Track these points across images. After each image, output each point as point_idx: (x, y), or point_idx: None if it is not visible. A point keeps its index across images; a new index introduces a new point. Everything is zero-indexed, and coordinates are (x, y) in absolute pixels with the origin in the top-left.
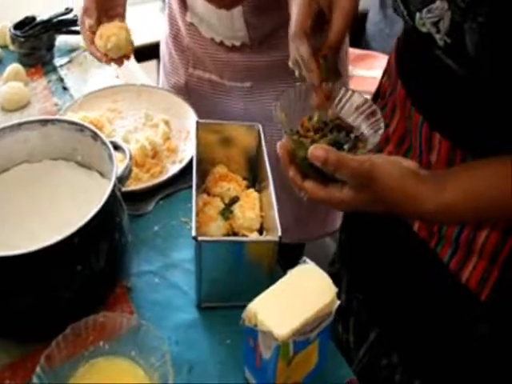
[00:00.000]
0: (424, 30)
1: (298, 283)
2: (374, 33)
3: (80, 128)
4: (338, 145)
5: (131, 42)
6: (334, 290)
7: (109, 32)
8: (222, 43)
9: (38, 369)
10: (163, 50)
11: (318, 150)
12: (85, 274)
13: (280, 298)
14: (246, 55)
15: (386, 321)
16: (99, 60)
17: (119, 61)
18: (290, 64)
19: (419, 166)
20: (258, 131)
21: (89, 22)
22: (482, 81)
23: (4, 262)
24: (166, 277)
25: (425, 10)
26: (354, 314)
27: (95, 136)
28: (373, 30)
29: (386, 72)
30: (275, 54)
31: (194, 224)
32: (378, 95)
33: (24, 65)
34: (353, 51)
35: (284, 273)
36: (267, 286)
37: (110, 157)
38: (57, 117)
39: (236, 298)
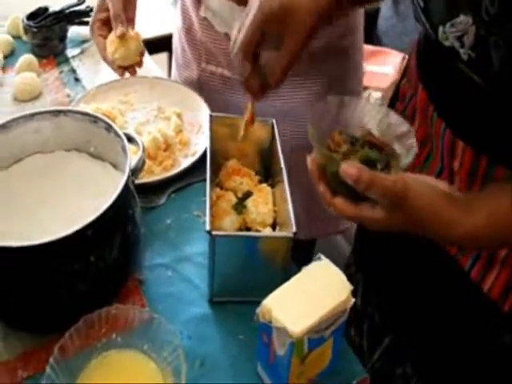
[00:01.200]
0: (447, 43)
1: (312, 280)
2: (386, 29)
3: (93, 119)
4: (370, 162)
5: (141, 51)
6: (349, 287)
7: (120, 42)
8: (226, 34)
9: (51, 359)
10: (176, 44)
11: (350, 168)
12: (98, 266)
13: (295, 294)
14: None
15: (401, 327)
16: (111, 67)
17: (131, 70)
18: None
19: (451, 187)
20: (272, 126)
21: (121, 29)
22: (507, 94)
23: (18, 253)
24: (179, 270)
25: (448, 25)
26: (368, 318)
27: (109, 127)
28: (385, 26)
29: (404, 74)
30: None
31: (208, 218)
32: (396, 97)
33: (37, 55)
34: (365, 47)
35: (298, 269)
36: (281, 282)
37: (124, 149)
38: (70, 107)
39: (249, 294)
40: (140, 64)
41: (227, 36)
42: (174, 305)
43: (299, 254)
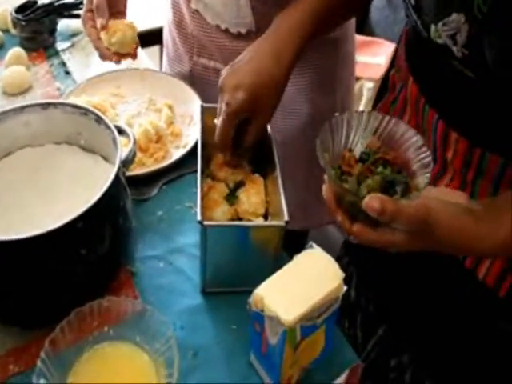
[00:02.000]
0: (440, 41)
1: (304, 268)
2: (379, 19)
3: (83, 112)
4: (388, 185)
5: (136, 42)
6: (340, 275)
7: (115, 27)
8: (227, 30)
9: (42, 353)
10: (166, 37)
11: (373, 201)
12: (89, 259)
13: (287, 283)
14: (251, 43)
15: (395, 317)
16: (102, 57)
17: (125, 56)
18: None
19: (470, 200)
20: None
21: (101, 21)
22: (500, 88)
23: (7, 247)
24: (171, 261)
25: (440, 23)
26: (362, 309)
27: (99, 120)
28: (377, 16)
29: (392, 64)
30: None
31: (199, 208)
32: (385, 88)
33: (26, 49)
34: (357, 37)
35: (290, 258)
36: (273, 272)
37: (114, 141)
38: (60, 100)
39: (241, 284)
40: (135, 56)
41: (219, 28)
42: (167, 296)
43: (292, 244)
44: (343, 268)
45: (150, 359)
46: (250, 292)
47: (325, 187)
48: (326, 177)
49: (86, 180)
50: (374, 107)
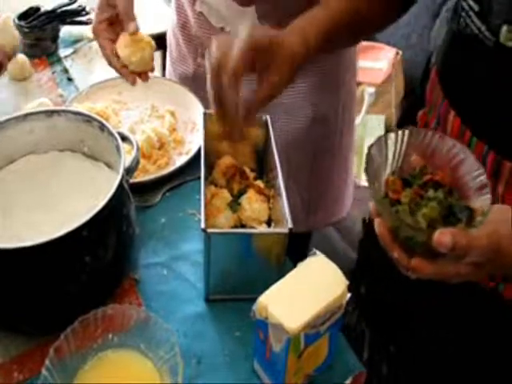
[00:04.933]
0: (511, 44)
1: (308, 275)
2: None
3: (87, 119)
4: (446, 211)
5: (153, 59)
6: (344, 282)
7: (135, 45)
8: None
9: (47, 361)
10: (170, 40)
11: (444, 237)
12: (93, 266)
13: (291, 290)
14: None
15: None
16: (121, 73)
17: (144, 76)
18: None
19: None
20: (266, 122)
21: (133, 25)
22: None
23: (12, 255)
24: (174, 269)
25: None
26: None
27: (102, 127)
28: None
29: (418, 104)
30: None
31: (202, 216)
32: (404, 121)
33: (28, 56)
34: None
35: (293, 265)
36: (276, 279)
37: (118, 148)
38: (63, 107)
39: (244, 291)
40: (153, 69)
41: (223, 31)
42: (170, 303)
43: (295, 248)
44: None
45: (154, 367)
46: (254, 299)
47: (377, 222)
48: (372, 208)
49: (89, 187)
50: None
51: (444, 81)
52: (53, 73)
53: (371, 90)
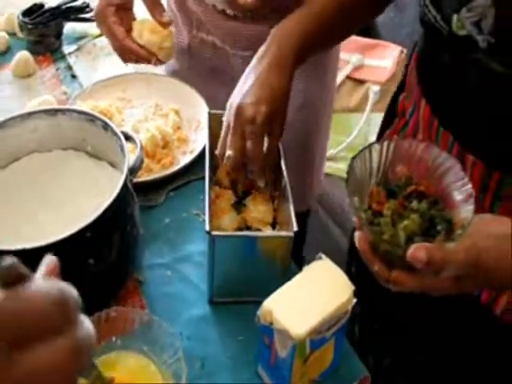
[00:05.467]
0: (462, 33)
1: (313, 280)
2: (384, 21)
3: (90, 118)
4: (427, 224)
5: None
6: (350, 287)
7: (162, 32)
8: (223, 11)
9: None
10: (167, 12)
11: (418, 252)
12: (97, 268)
13: (296, 295)
14: (247, 25)
15: (405, 351)
16: (139, 57)
17: (157, 62)
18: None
19: None
20: None
21: (167, 16)
22: None
23: (15, 256)
24: (178, 270)
25: (464, 10)
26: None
27: (106, 126)
28: (382, 19)
29: (402, 89)
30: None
31: (207, 218)
32: (393, 114)
33: (32, 52)
34: (363, 40)
35: (299, 268)
36: (281, 282)
37: (122, 148)
38: (67, 106)
39: (249, 294)
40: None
41: (215, 8)
42: (174, 305)
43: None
44: None
45: (158, 370)
46: (258, 302)
47: (357, 235)
48: (356, 221)
49: (92, 187)
50: (381, 134)
51: (418, 67)
52: (57, 69)
53: (376, 88)
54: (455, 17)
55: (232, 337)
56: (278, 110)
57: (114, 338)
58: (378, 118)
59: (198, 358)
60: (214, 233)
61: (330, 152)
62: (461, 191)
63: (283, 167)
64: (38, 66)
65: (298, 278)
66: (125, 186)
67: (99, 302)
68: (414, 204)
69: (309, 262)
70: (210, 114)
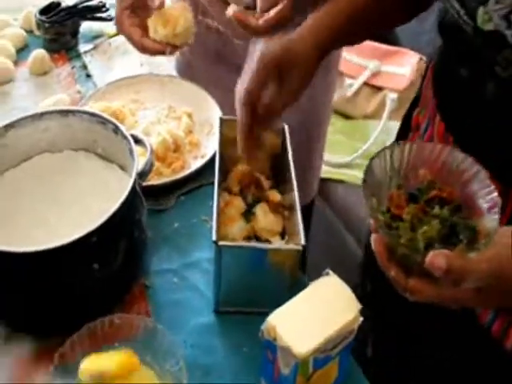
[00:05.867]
0: (489, 27)
1: (319, 297)
2: (403, 28)
3: (101, 120)
4: (448, 231)
5: (193, 25)
6: (357, 306)
7: (174, 15)
8: (226, 2)
9: (51, 367)
10: None
11: (437, 259)
12: (102, 273)
13: (301, 311)
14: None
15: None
16: (152, 51)
17: (173, 49)
18: None
19: None
20: (283, 130)
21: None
22: None
23: (20, 258)
24: (186, 276)
25: (491, 2)
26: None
27: (116, 129)
28: (401, 25)
29: (416, 103)
30: None
31: (214, 227)
32: (407, 128)
33: (49, 50)
34: (381, 46)
35: (307, 279)
36: (289, 294)
37: (131, 152)
38: (78, 108)
39: (255, 305)
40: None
41: None
42: (179, 313)
43: None
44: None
45: (159, 378)
46: (265, 314)
47: (373, 237)
48: (372, 224)
49: (101, 189)
50: None
51: (434, 80)
52: (72, 68)
53: (393, 95)
54: (481, 10)
55: (236, 347)
56: (292, 66)
57: (116, 345)
58: (395, 126)
59: (201, 368)
60: (221, 243)
61: (345, 159)
62: (486, 199)
63: (293, 178)
64: (54, 64)
65: (303, 294)
66: (133, 191)
67: (104, 307)
68: (436, 210)
69: (319, 272)
70: (221, 119)
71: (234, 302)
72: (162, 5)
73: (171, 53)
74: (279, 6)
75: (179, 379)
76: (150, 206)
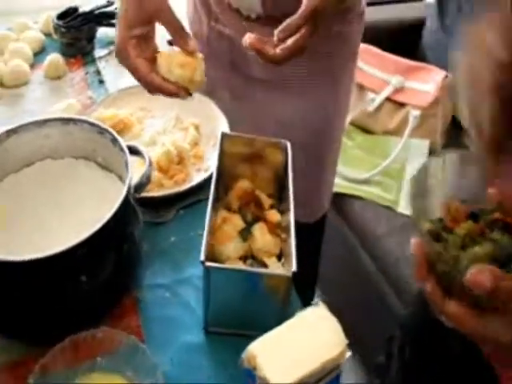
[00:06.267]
0: None
1: (305, 328)
2: (431, 43)
3: (100, 130)
4: (501, 257)
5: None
6: (343, 341)
7: (189, 60)
8: (238, 11)
9: (30, 378)
10: (188, 2)
11: (481, 275)
12: (90, 285)
13: (284, 342)
14: (259, 27)
15: None
16: (169, 92)
17: (185, 93)
18: None
19: None
20: (286, 149)
21: (193, 44)
22: None
23: (5, 267)
24: (178, 292)
25: None
26: None
27: (114, 140)
28: (429, 40)
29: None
30: None
31: (203, 246)
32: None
33: (65, 55)
34: (404, 62)
35: (303, 305)
36: (280, 319)
37: (126, 164)
38: (79, 116)
39: (245, 327)
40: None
41: (230, 7)
42: (169, 329)
43: (308, 240)
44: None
45: None
46: (255, 337)
47: (414, 241)
48: (414, 243)
49: (100, 198)
50: None
51: None
52: (86, 73)
53: (416, 112)
54: None
55: (223, 369)
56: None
57: (99, 359)
58: (417, 144)
59: None
60: (208, 264)
61: (363, 175)
62: None
63: (291, 197)
64: (69, 68)
65: (289, 324)
66: (124, 204)
67: (92, 319)
68: (495, 234)
69: (331, 286)
70: (223, 134)
71: (223, 322)
72: (195, 50)
73: (184, 97)
74: (297, 36)
75: None
76: (148, 218)
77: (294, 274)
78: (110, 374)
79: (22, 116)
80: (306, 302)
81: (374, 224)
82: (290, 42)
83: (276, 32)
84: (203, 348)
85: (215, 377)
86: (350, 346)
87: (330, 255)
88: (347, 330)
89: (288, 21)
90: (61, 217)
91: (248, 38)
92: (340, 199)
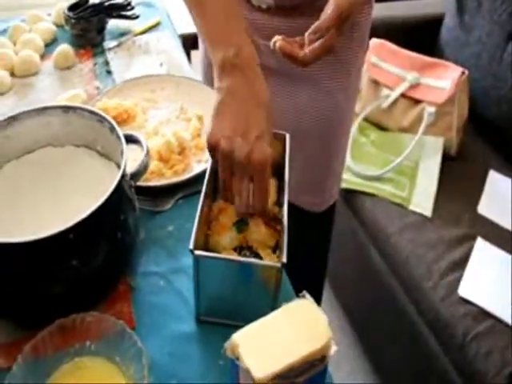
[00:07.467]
0: None
1: (290, 320)
2: (449, 40)
3: (99, 119)
4: None
5: None
6: (329, 334)
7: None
8: (249, 1)
9: (19, 358)
10: None
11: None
12: (81, 270)
13: (267, 333)
14: (270, 17)
15: None
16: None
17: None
18: None
19: None
20: (284, 140)
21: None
22: None
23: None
24: (172, 281)
25: None
26: None
27: (112, 129)
28: (447, 37)
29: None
30: (299, 20)
31: (193, 235)
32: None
33: (75, 45)
34: (421, 58)
35: (296, 295)
36: (271, 310)
37: (122, 152)
38: (79, 105)
39: (236, 317)
40: None
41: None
42: (161, 317)
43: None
44: None
45: (125, 380)
46: None
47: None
48: None
49: (98, 186)
50: None
51: None
52: (94, 64)
53: (431, 109)
54: None
55: (213, 360)
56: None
57: (88, 343)
58: (432, 141)
59: (175, 376)
60: (197, 253)
61: (376, 172)
62: None
63: (286, 193)
64: (79, 59)
65: (274, 315)
66: (117, 192)
67: (85, 304)
68: None
69: (341, 280)
70: None
71: (214, 312)
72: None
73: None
74: (325, 37)
75: None
76: (147, 206)
77: (297, 265)
78: (98, 358)
79: (31, 105)
80: (316, 297)
81: (386, 221)
82: (317, 43)
83: (306, 34)
84: (194, 337)
85: (205, 368)
86: (357, 343)
87: (341, 251)
88: (355, 328)
89: (317, 23)
90: (57, 203)
91: (276, 41)
92: (352, 196)
